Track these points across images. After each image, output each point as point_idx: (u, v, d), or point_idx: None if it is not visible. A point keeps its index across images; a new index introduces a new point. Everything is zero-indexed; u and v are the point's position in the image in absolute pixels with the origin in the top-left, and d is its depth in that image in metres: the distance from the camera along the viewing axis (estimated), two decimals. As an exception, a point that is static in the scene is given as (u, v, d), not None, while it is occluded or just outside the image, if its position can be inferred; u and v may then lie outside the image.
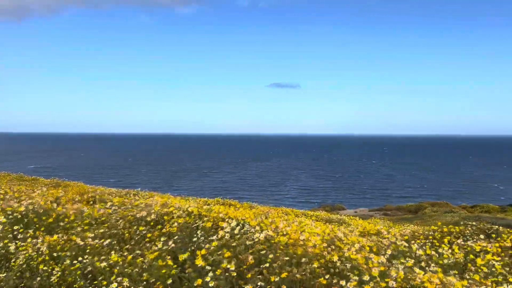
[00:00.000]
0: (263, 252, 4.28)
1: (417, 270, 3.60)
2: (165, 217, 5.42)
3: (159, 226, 5.13)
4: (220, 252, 4.26)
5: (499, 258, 4.92)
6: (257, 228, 5.09)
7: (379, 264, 3.66)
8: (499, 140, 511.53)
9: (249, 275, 3.77)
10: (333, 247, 4.61)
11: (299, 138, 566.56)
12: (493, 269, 4.80)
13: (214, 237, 4.71)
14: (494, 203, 51.11)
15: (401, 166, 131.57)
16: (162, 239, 4.66)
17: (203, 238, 4.78)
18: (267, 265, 4.00)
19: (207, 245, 4.43)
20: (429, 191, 76.61)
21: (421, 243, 6.21)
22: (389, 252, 4.87)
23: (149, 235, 4.84)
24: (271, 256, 4.12)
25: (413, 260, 4.42)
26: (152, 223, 5.37)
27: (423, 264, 4.93)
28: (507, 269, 4.99)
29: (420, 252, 5.10)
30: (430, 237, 6.27)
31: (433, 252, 5.25)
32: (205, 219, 5.32)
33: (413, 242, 6.23)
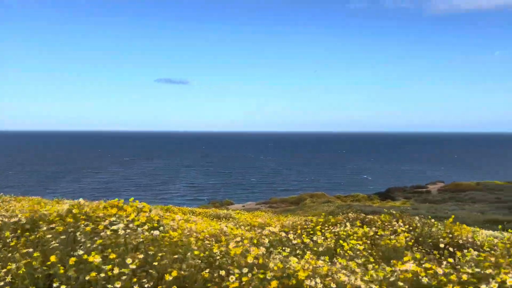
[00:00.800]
0: (150, 252, 4.22)
1: (292, 258, 3.90)
2: (40, 222, 4.96)
3: (27, 233, 4.68)
4: (105, 254, 4.07)
5: (362, 242, 5.58)
6: (145, 227, 4.99)
7: (257, 255, 3.89)
8: (369, 136, 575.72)
9: (135, 280, 3.69)
10: (216, 241, 4.75)
11: (188, 135, 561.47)
12: (358, 252, 5.47)
13: (97, 239, 4.48)
14: (364, 193, 57.50)
15: (286, 160, 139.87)
16: (29, 245, 4.26)
17: (84, 240, 4.50)
18: (156, 263, 3.96)
19: (90, 246, 4.19)
20: (310, 184, 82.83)
21: (299, 233, 6.74)
22: (267, 242, 5.20)
23: (13, 243, 4.37)
24: (159, 254, 4.09)
25: (289, 249, 4.78)
26: (19, 231, 4.86)
27: (299, 252, 5.38)
28: (370, 251, 5.73)
29: (297, 241, 5.54)
30: (305, 226, 6.82)
31: (308, 241, 5.75)
32: (85, 222, 5.01)
33: (292, 231, 6.74)
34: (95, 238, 4.30)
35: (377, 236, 6.06)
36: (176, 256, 4.12)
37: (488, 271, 3.01)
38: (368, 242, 5.94)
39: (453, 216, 6.48)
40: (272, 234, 5.46)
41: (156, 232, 4.36)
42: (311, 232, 6.41)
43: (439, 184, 58.29)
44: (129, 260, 3.67)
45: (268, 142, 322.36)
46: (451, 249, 5.74)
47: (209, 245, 4.30)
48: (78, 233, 4.46)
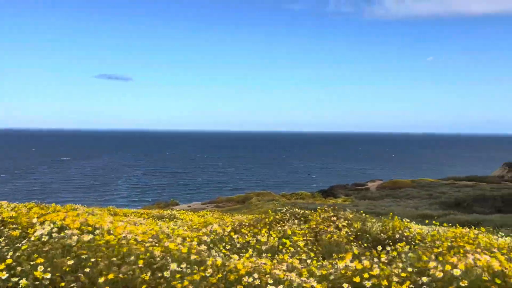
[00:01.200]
0: (84, 256, 3.98)
1: (233, 256, 3.87)
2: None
3: None
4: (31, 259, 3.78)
5: (302, 238, 5.67)
6: (77, 231, 4.71)
7: (197, 253, 3.82)
8: (313, 135, 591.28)
9: (63, 284, 3.45)
10: (156, 241, 4.60)
11: (132, 134, 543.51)
12: (298, 249, 5.55)
13: (24, 243, 4.15)
14: (308, 190, 58.99)
15: (234, 160, 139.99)
16: None
17: (8, 246, 4.16)
18: (87, 269, 3.74)
19: (16, 253, 3.88)
20: (257, 183, 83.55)
21: (243, 231, 6.73)
22: (209, 240, 5.13)
23: None
24: (92, 259, 3.87)
25: (229, 246, 4.74)
26: None
27: (243, 250, 5.36)
28: (310, 246, 5.85)
29: (240, 239, 5.52)
30: (249, 224, 6.83)
31: (251, 239, 5.75)
32: (11, 226, 4.64)
33: (235, 230, 6.70)
34: (21, 243, 3.99)
35: (320, 232, 6.21)
36: (114, 259, 3.93)
37: (432, 264, 3.15)
38: (311, 238, 6.06)
39: (391, 214, 6.79)
40: (213, 233, 5.39)
41: (89, 236, 4.12)
42: (255, 230, 6.43)
43: (378, 181, 61.21)
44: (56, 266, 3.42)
45: (213, 141, 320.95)
46: (390, 243, 6.01)
47: (151, 247, 4.15)
48: (1, 239, 4.12)
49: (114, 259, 3.78)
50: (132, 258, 3.77)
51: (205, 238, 5.43)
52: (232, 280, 3.32)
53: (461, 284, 2.77)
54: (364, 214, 6.66)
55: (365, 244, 6.05)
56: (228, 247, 5.23)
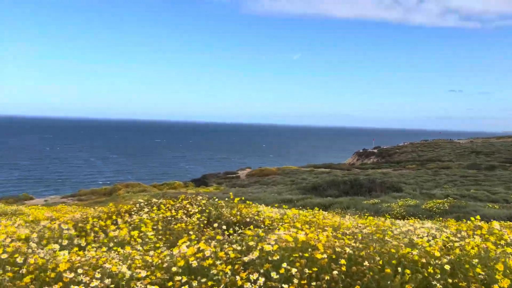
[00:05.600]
0: None
1: (59, 252, 3.46)
2: None
3: None
4: None
5: (151, 229, 5.43)
6: None
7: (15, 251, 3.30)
8: (184, 125, 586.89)
9: None
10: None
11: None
12: (147, 239, 5.30)
13: None
14: (181, 180, 58.43)
15: (99, 150, 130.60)
16: None
17: None
18: None
19: None
20: (127, 175, 79.52)
21: (91, 225, 6.17)
22: (35, 237, 4.55)
23: None
24: None
25: (66, 243, 4.26)
26: None
27: (82, 244, 4.88)
28: (160, 236, 5.64)
29: (82, 236, 5.02)
30: (97, 219, 6.32)
31: (99, 234, 5.30)
32: None
33: (82, 225, 6.10)
34: None
35: (171, 220, 6.03)
36: None
37: (251, 243, 3.24)
38: (161, 228, 5.85)
39: (243, 198, 6.97)
40: (47, 229, 4.80)
41: None
42: (103, 223, 5.95)
43: (248, 170, 63.88)
44: None
45: (78, 130, 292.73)
46: (242, 227, 6.15)
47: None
48: None
49: None
50: None
51: (38, 233, 4.81)
52: (50, 279, 2.94)
53: (275, 258, 2.95)
54: (217, 200, 6.72)
55: (218, 230, 6.09)
56: (65, 243, 4.70)
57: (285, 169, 57.25)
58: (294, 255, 3.05)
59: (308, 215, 5.38)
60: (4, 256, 3.14)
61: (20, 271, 2.99)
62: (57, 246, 3.82)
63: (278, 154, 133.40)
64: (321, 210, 9.33)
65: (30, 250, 3.64)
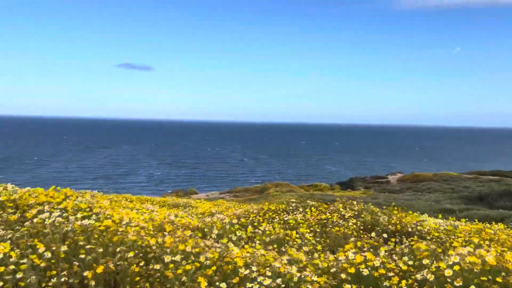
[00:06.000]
0: (81, 243, 3.90)
1: (232, 246, 3.72)
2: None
3: None
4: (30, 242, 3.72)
5: (309, 230, 5.46)
6: (78, 215, 4.64)
7: (195, 244, 3.67)
8: (332, 127, 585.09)
9: (54, 272, 3.36)
10: (159, 230, 4.48)
11: (151, 123, 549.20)
12: (306, 240, 5.35)
13: (26, 225, 4.10)
14: (327, 182, 58.44)
15: (251, 151, 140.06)
16: None
17: (4, 231, 4.11)
18: (83, 256, 3.65)
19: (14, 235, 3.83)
20: (276, 175, 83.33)
21: (251, 221, 6.57)
22: (216, 232, 4.98)
23: None
24: (88, 246, 3.78)
25: (235, 238, 4.57)
26: None
27: (246, 240, 5.20)
28: (318, 239, 5.64)
29: (249, 229, 5.35)
30: (259, 214, 6.66)
31: (257, 230, 5.58)
32: (11, 210, 4.60)
33: (244, 220, 6.55)
34: (18, 227, 3.93)
35: (328, 223, 5.99)
36: (110, 249, 3.83)
37: (425, 261, 2.93)
38: (318, 230, 5.85)
39: (394, 204, 6.50)
40: (216, 223, 5.24)
41: (86, 221, 4.02)
42: (261, 220, 6.26)
43: (399, 174, 60.10)
44: (48, 252, 3.33)
45: (234, 132, 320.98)
46: (404, 237, 5.75)
47: (145, 236, 4.02)
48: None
49: (106, 248, 3.67)
50: (125, 247, 3.65)
51: (213, 227, 5.30)
52: (228, 273, 3.17)
53: (456, 284, 2.55)
54: (372, 206, 6.41)
55: (375, 237, 5.81)
56: (234, 238, 5.06)
57: (443, 175, 52.00)
58: (482, 278, 2.64)
59: (489, 231, 4.68)
60: (189, 249, 3.49)
61: (205, 262, 3.29)
62: (227, 241, 4.12)
63: (434, 159, 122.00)
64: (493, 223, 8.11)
65: (208, 243, 4.00)
